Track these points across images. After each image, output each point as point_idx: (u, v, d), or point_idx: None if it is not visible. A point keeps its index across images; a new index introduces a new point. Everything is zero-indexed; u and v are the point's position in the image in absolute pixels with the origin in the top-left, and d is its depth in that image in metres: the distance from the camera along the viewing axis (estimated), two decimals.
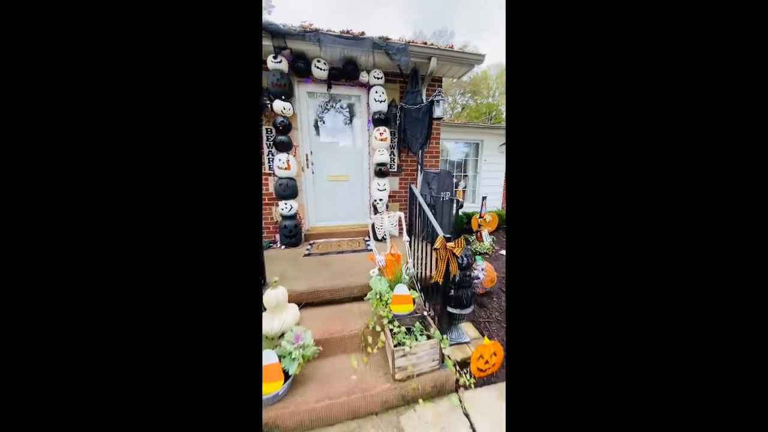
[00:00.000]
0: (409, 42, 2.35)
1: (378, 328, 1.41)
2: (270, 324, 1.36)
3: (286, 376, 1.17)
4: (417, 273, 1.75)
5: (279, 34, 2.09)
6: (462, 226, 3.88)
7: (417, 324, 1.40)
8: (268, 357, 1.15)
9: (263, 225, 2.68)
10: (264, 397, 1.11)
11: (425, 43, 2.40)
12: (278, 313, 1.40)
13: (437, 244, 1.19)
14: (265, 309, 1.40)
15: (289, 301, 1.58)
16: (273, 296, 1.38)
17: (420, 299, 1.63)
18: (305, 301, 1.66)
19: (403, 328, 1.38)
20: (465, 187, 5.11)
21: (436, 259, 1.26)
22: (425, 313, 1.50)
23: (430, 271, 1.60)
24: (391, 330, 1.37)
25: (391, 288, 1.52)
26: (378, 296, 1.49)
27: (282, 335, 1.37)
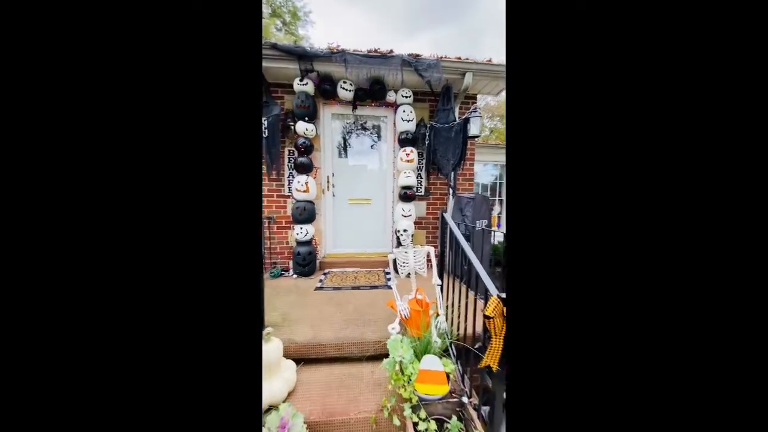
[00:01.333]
0: (441, 57, 2.17)
1: (397, 422, 0.99)
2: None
3: None
4: (451, 331, 1.32)
5: (306, 56, 2.06)
6: (498, 259, 3.30)
7: (453, 420, 0.96)
8: None
9: (278, 250, 2.50)
10: None
11: (459, 58, 2.19)
12: (268, 378, 1.08)
13: (489, 311, 0.80)
14: None
15: (286, 356, 1.26)
16: (263, 354, 1.07)
17: (457, 372, 1.19)
18: (306, 357, 1.33)
19: (433, 423, 0.94)
20: (500, 213, 4.56)
21: (486, 331, 0.86)
22: (466, 400, 1.05)
23: (473, 329, 1.17)
24: (415, 424, 0.95)
25: (417, 356, 1.12)
26: (398, 366, 1.09)
27: (270, 408, 1.04)
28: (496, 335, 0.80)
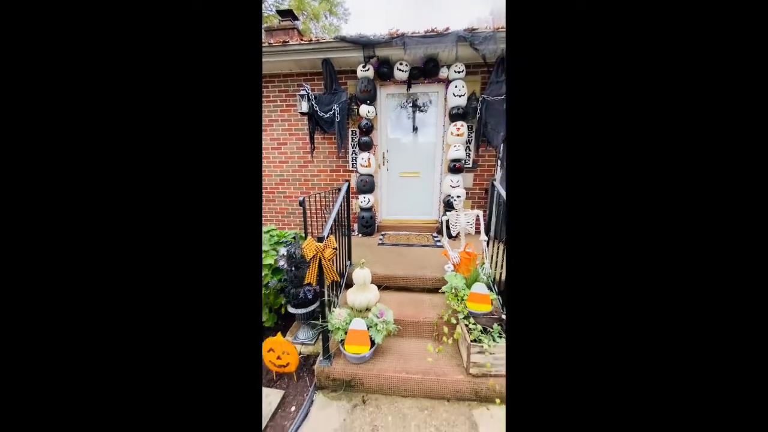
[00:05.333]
0: (497, 28, 2.19)
1: (453, 321, 1.45)
2: (356, 298, 1.61)
3: (372, 343, 1.37)
4: (494, 275, 1.68)
5: (370, 44, 2.33)
6: None
7: (495, 326, 1.37)
8: (359, 324, 1.38)
9: (347, 215, 3.09)
10: (353, 356, 1.35)
11: None
12: (363, 291, 1.64)
13: None
14: (353, 284, 1.66)
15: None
16: (361, 275, 1.62)
17: (497, 302, 1.57)
18: (382, 284, 1.87)
19: (479, 327, 1.37)
20: None
21: None
22: (504, 317, 1.44)
23: None
24: (466, 326, 1.39)
25: (468, 285, 1.53)
26: (453, 291, 1.52)
27: (367, 309, 1.60)
28: None
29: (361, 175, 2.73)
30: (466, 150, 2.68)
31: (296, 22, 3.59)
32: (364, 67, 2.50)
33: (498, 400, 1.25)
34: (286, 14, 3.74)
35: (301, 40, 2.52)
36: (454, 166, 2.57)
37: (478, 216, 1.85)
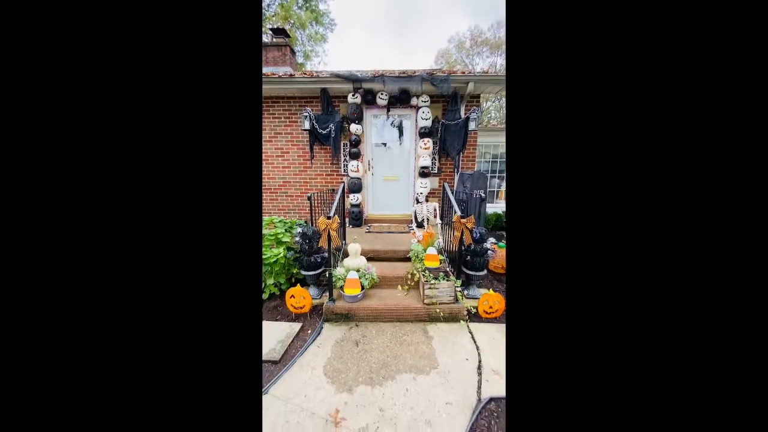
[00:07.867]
0: (450, 73, 3.03)
1: (415, 273, 2.20)
2: (351, 263, 2.31)
3: (362, 287, 2.08)
4: (444, 246, 2.46)
5: (357, 80, 3.08)
6: (500, 225, 4.26)
7: (441, 274, 2.14)
8: (353, 275, 2.08)
9: (342, 208, 3.77)
10: (349, 296, 2.04)
11: (464, 72, 3.03)
12: (356, 258, 2.35)
13: (453, 218, 1.90)
14: (348, 255, 2.36)
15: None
16: (354, 247, 2.33)
17: (445, 263, 2.34)
18: (369, 256, 2.59)
19: (431, 275, 2.13)
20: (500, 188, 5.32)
21: (454, 230, 1.97)
22: (447, 270, 2.21)
23: (453, 246, 2.29)
24: (423, 274, 2.15)
25: (425, 251, 2.29)
26: (416, 255, 2.28)
27: (357, 270, 2.31)
28: (457, 230, 1.92)
29: (352, 178, 3.44)
30: (432, 160, 3.50)
31: (287, 39, 4.22)
32: (353, 95, 3.25)
33: (441, 315, 2.01)
34: (279, 32, 4.39)
35: (297, 63, 3.19)
36: (423, 171, 3.37)
37: (435, 207, 2.63)
